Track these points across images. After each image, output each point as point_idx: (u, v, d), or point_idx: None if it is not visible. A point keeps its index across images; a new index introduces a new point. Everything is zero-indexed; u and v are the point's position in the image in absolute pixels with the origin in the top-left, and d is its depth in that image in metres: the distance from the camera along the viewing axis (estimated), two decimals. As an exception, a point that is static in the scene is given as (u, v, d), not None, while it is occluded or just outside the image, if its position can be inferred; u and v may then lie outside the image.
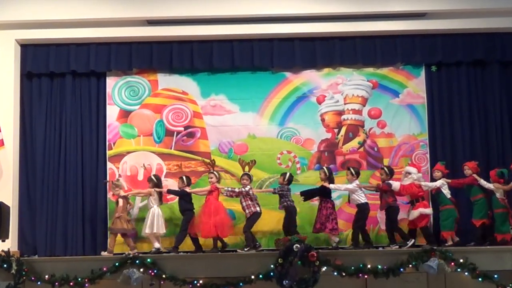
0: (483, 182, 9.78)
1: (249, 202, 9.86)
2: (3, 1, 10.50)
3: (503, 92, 10.88)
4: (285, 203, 9.88)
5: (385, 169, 10.04)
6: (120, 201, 9.96)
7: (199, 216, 9.89)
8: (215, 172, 10.12)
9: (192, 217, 9.93)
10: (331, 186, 9.92)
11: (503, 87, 10.89)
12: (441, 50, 10.78)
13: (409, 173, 9.97)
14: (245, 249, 9.67)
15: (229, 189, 9.98)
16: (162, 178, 10.50)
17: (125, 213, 9.97)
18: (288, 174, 10.03)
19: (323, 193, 9.93)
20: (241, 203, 9.91)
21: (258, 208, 9.87)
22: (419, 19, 10.67)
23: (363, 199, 9.87)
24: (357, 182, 9.91)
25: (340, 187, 9.98)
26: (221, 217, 9.82)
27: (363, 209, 9.86)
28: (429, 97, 10.90)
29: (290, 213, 9.88)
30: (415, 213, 9.78)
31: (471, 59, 10.86)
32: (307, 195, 10.01)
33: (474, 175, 9.84)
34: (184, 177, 10.17)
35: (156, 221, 9.86)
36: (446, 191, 9.85)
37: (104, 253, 9.87)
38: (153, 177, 10.20)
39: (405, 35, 10.81)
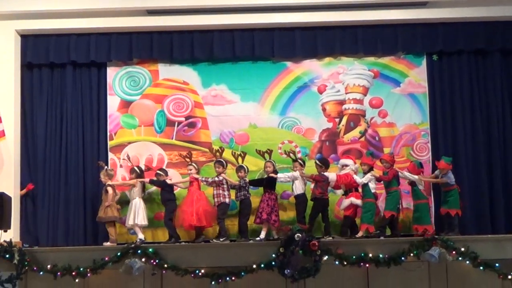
0: (406, 174, 9.81)
1: (220, 192, 9.94)
2: (3, -8, 10.50)
3: (505, 81, 10.85)
4: (242, 196, 9.97)
5: (317, 162, 10.07)
6: (110, 189, 10.01)
7: (181, 205, 9.97)
8: (193, 164, 10.17)
9: (174, 207, 10.00)
10: (279, 175, 9.98)
11: (505, 76, 10.86)
12: (442, 39, 10.74)
13: (346, 165, 10.02)
14: (221, 239, 9.71)
15: (204, 178, 10.07)
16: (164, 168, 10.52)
17: (114, 202, 10.04)
18: (246, 167, 10.13)
19: (269, 184, 10.00)
20: (213, 191, 9.99)
21: (227, 200, 9.93)
22: (420, 8, 10.62)
23: (300, 190, 9.94)
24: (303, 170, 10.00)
25: (286, 176, 9.99)
26: (202, 204, 9.86)
27: (300, 201, 9.93)
28: (430, 86, 10.87)
29: (246, 205, 9.95)
30: (346, 201, 9.86)
31: (472, 48, 10.82)
32: (254, 183, 10.16)
33: (395, 168, 9.87)
34: (162, 170, 10.27)
35: (137, 213, 9.93)
36: (372, 186, 9.83)
37: (107, 244, 9.88)
38: (136, 168, 10.26)
39: (406, 24, 10.77)
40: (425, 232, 9.44)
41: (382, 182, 9.94)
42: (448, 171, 9.75)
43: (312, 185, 10.07)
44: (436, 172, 9.94)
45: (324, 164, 10.06)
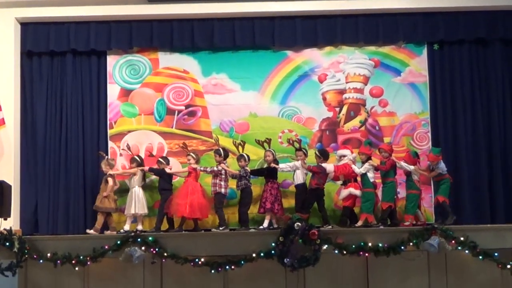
0: (403, 164, 9.79)
1: (217, 181, 9.95)
2: (2, -21, 10.46)
3: (505, 70, 10.82)
4: (243, 185, 9.96)
5: (317, 153, 10.09)
6: (110, 180, 10.01)
7: (175, 197, 9.95)
8: (192, 154, 10.16)
9: (169, 197, 9.99)
10: (280, 166, 10.00)
11: (505, 65, 10.83)
12: (443, 28, 10.71)
13: (344, 156, 9.99)
14: (220, 228, 9.74)
15: (203, 168, 10.08)
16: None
17: (112, 193, 10.05)
18: (247, 156, 10.12)
19: (270, 174, 10.01)
20: (211, 180, 10.03)
21: (223, 190, 9.93)
22: (422, -3, 10.63)
23: (301, 180, 9.97)
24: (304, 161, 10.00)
25: (287, 166, 10.01)
26: (197, 197, 9.85)
27: (300, 191, 9.95)
28: (431, 75, 10.85)
29: (246, 194, 9.97)
30: (345, 192, 9.88)
31: (473, 37, 10.79)
32: (255, 173, 10.15)
33: (393, 158, 9.86)
34: (164, 158, 10.28)
35: (137, 202, 9.95)
36: (370, 175, 9.82)
37: (90, 231, 9.89)
38: (136, 157, 10.27)
39: (407, 13, 10.73)
40: (411, 222, 9.55)
41: (379, 171, 9.94)
42: (438, 161, 9.74)
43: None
44: (428, 163, 9.95)
45: (322, 155, 10.05)
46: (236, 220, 10.20)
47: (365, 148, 10.05)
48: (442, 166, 9.74)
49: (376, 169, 9.90)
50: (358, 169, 9.85)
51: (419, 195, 9.86)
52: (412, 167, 9.78)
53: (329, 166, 9.90)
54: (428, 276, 9.13)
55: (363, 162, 9.88)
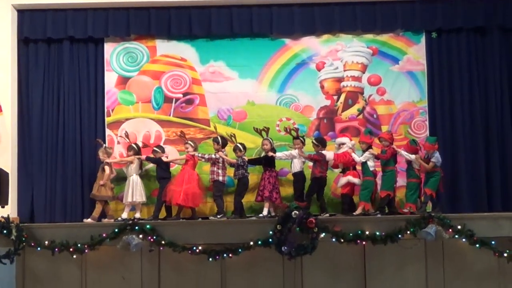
0: (403, 153, 9.79)
1: (215, 169, 9.97)
2: (-2, -35, 10.39)
3: (503, 59, 10.80)
4: (240, 174, 9.97)
5: (314, 141, 10.08)
6: (107, 168, 10.01)
7: (171, 183, 9.96)
8: (190, 142, 10.15)
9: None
10: (277, 154, 10.00)
11: (503, 54, 10.80)
12: (441, 16, 10.68)
13: (343, 144, 9.99)
14: (218, 216, 9.77)
15: (200, 155, 10.10)
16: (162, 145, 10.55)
17: (109, 181, 10.06)
18: (241, 146, 10.11)
19: (268, 163, 10.01)
20: (209, 168, 10.05)
21: (221, 178, 9.94)
22: (420, -15, 10.59)
23: (298, 168, 9.96)
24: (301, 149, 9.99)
25: (284, 154, 10.01)
26: (192, 186, 9.86)
27: (298, 179, 9.95)
28: (429, 64, 10.83)
29: (242, 183, 9.98)
30: (343, 180, 9.89)
31: (471, 25, 10.76)
32: (252, 162, 10.16)
33: (393, 146, 9.86)
34: (159, 147, 10.29)
35: (134, 190, 9.96)
36: (371, 164, 9.82)
37: (87, 220, 9.90)
38: (134, 145, 10.26)
39: (405, 1, 10.70)
40: (409, 210, 9.57)
41: (379, 160, 9.94)
42: (434, 151, 9.73)
43: (311, 164, 10.04)
44: (424, 152, 9.94)
45: (320, 143, 10.05)
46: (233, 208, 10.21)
47: (366, 137, 10.04)
48: (438, 156, 9.72)
49: (376, 157, 9.91)
50: (358, 157, 9.85)
51: (419, 183, 9.85)
52: (413, 156, 9.76)
53: (328, 154, 9.91)
54: (425, 264, 9.18)
55: (364, 151, 9.87)
